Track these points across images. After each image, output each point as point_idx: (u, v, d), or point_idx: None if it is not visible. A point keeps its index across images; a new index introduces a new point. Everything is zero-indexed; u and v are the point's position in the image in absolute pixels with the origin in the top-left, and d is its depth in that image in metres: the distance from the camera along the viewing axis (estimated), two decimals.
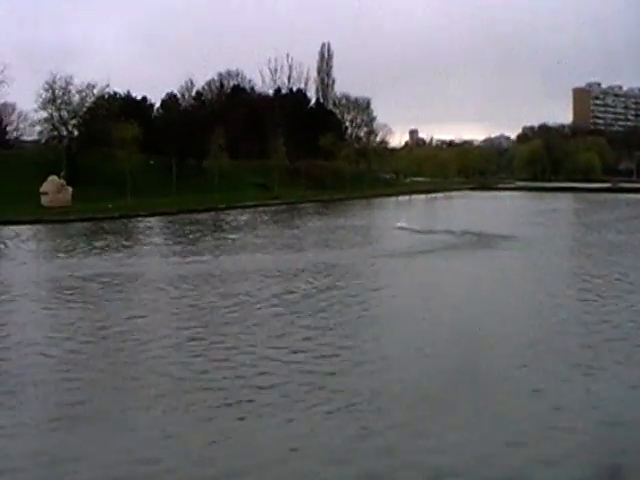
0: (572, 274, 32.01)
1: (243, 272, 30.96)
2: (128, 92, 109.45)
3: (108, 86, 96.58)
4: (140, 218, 64.03)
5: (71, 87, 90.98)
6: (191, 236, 48.95)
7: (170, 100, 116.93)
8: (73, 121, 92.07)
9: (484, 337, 19.81)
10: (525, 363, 17.02)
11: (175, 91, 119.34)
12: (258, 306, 23.83)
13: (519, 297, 26.55)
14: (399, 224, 55.30)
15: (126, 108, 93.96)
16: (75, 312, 23.24)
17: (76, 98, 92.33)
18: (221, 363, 16.90)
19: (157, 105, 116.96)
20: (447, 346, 18.92)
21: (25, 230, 53.99)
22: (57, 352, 18.11)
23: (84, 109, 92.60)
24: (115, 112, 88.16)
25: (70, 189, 73.47)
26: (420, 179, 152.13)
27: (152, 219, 63.85)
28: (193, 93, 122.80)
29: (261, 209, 78.04)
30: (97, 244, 43.61)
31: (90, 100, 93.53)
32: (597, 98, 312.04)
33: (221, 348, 18.28)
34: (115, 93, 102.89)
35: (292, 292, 26.48)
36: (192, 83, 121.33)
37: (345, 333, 20.19)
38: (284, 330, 20.24)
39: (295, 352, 17.85)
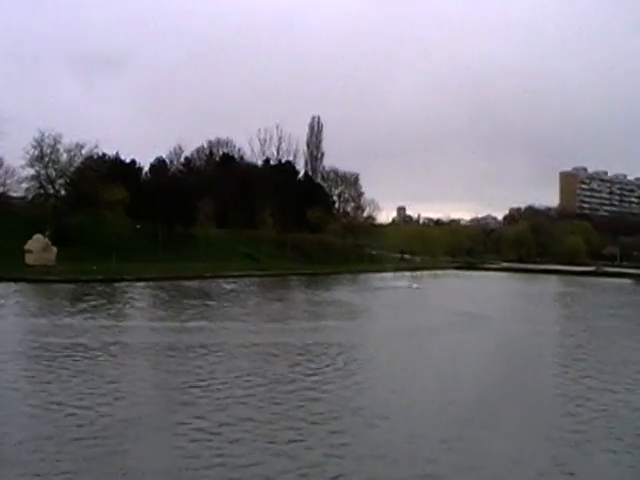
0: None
1: (229, 345, 29.68)
2: (117, 154, 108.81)
3: (97, 147, 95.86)
4: (124, 282, 62.92)
5: (59, 146, 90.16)
6: (175, 303, 47.93)
7: (159, 165, 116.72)
8: (60, 180, 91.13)
9: None
10: None
11: (164, 156, 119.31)
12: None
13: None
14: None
15: (114, 170, 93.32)
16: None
17: (64, 157, 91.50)
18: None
19: (146, 169, 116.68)
20: None
21: (7, 287, 52.94)
22: None
23: (72, 169, 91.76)
24: (103, 174, 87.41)
25: (55, 249, 72.45)
26: (407, 256, 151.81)
27: (137, 284, 62.74)
28: (182, 159, 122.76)
29: (247, 280, 76.93)
30: (77, 307, 42.50)
31: (78, 160, 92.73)
32: (583, 183, 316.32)
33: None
34: (104, 154, 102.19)
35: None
36: (181, 149, 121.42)
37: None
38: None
39: None
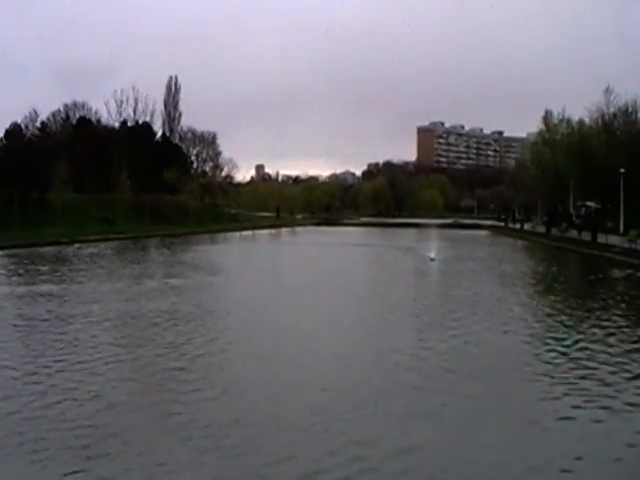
0: None
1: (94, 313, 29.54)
2: None
3: None
4: None
5: None
6: (31, 270, 48.27)
7: (14, 130, 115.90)
8: None
9: None
10: None
11: (19, 121, 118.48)
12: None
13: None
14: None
15: None
16: None
17: None
18: None
19: (0, 135, 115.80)
20: None
21: None
22: None
23: None
24: None
25: None
26: (265, 214, 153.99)
27: None
28: (38, 124, 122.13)
29: (104, 244, 77.44)
30: None
31: None
32: (440, 137, 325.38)
33: None
34: None
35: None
36: (36, 113, 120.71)
37: None
38: None
39: None
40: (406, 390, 17.59)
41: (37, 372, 19.13)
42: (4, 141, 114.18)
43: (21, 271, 48.51)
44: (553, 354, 21.87)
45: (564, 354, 21.83)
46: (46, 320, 27.73)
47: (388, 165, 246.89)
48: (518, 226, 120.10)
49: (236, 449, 13.23)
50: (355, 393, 17.15)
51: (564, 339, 24.13)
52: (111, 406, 16.01)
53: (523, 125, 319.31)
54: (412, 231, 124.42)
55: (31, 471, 12.26)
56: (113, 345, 23.04)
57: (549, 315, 29.79)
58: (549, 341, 23.89)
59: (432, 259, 55.96)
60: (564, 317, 29.07)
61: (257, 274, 50.84)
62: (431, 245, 72.28)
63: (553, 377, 18.78)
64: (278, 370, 19.87)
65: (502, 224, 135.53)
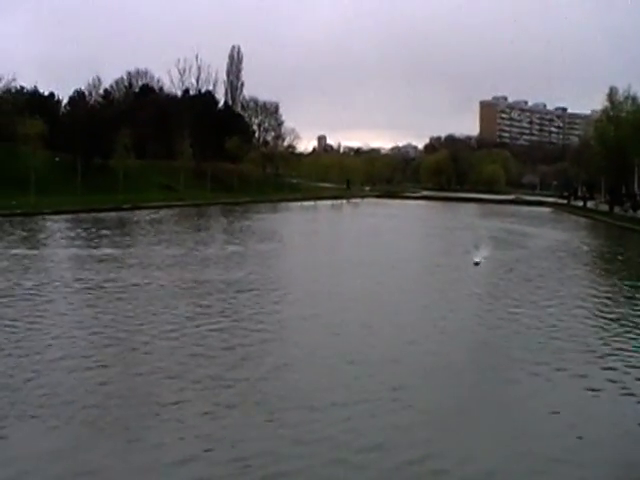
0: None
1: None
2: (35, 87, 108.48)
3: (15, 80, 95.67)
4: (45, 216, 62.46)
5: None
6: (94, 236, 48.01)
7: (78, 97, 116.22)
8: None
9: None
10: None
11: (83, 88, 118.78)
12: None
13: None
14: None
15: (32, 103, 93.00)
16: None
17: None
18: None
19: (65, 102, 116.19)
20: None
21: None
22: None
23: None
24: (21, 107, 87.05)
25: None
26: (326, 185, 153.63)
27: (55, 217, 62.00)
28: (101, 91, 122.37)
29: (166, 211, 77.70)
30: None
31: None
32: (503, 112, 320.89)
33: None
34: (22, 87, 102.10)
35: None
36: (100, 81, 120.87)
37: None
38: None
39: None
40: None
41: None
42: (68, 108, 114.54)
43: (83, 235, 48.49)
44: None
45: None
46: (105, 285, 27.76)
47: (450, 139, 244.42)
48: (581, 204, 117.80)
49: None
50: None
51: None
52: None
53: (587, 102, 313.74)
54: (474, 207, 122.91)
55: None
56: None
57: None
58: None
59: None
60: None
61: (318, 244, 50.54)
62: (491, 225, 70.68)
63: None
64: None
65: (565, 201, 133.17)
